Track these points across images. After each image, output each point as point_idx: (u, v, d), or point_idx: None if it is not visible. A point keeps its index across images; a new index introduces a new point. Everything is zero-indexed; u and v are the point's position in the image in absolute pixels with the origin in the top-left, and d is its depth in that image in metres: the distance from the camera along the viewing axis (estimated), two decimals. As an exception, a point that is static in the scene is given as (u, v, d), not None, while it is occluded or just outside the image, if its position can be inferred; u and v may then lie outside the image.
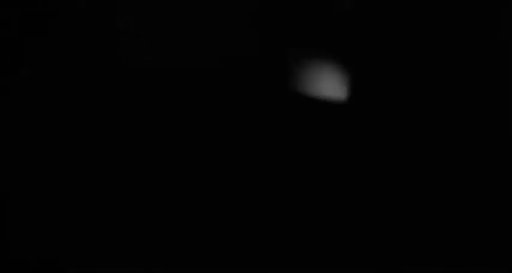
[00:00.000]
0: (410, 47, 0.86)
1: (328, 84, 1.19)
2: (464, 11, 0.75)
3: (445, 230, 0.87)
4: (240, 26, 1.13)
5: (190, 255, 1.11)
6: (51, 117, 1.07)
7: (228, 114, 1.19)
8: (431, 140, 0.92)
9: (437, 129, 0.89)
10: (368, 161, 0.92)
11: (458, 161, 0.89)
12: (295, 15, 1.21)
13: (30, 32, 0.96)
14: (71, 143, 1.09)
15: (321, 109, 1.08)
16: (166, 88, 1.30)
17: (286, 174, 1.14)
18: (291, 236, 1.10)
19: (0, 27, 0.93)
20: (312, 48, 1.19)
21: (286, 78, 1.16)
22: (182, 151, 1.31)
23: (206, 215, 1.20)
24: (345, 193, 0.95)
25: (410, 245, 0.88)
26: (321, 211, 1.02)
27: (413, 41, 0.86)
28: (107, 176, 1.10)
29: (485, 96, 0.81)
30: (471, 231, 0.84)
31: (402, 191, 0.91)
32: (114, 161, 1.12)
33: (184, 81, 1.31)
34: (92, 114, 1.12)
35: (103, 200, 1.08)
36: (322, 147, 1.03)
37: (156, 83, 1.41)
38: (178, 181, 1.21)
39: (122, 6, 1.24)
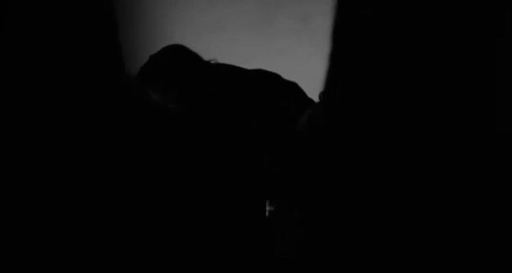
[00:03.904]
0: (410, 47, 0.86)
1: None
2: (464, 11, 0.75)
3: (445, 230, 0.87)
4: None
5: (190, 255, 1.10)
6: (50, 117, 1.06)
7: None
8: (431, 141, 0.91)
9: (437, 130, 0.89)
10: (365, 162, 0.92)
11: (457, 161, 0.89)
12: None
13: (30, 31, 0.96)
14: (70, 142, 1.08)
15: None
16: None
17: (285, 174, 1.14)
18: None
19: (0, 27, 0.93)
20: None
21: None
22: (180, 155, 1.30)
23: (205, 216, 1.19)
24: (342, 193, 0.95)
25: (409, 245, 0.87)
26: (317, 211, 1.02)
27: (414, 41, 0.86)
28: (105, 177, 1.09)
29: (485, 95, 0.81)
30: (471, 231, 0.84)
31: (401, 192, 0.91)
32: (113, 162, 1.11)
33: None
34: (90, 114, 1.11)
35: (103, 202, 1.08)
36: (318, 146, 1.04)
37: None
38: (175, 181, 1.21)
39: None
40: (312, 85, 1.31)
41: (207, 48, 1.70)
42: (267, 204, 1.13)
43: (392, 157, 0.89)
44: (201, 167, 1.30)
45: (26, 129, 1.01)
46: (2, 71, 0.96)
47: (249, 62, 1.28)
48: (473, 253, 0.80)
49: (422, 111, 0.89)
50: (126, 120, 1.15)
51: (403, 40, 0.86)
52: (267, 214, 1.14)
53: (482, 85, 0.83)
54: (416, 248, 0.86)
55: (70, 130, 1.06)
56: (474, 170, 0.85)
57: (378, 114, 0.90)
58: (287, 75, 1.28)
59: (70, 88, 1.06)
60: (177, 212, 1.19)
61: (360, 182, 0.89)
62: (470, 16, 0.75)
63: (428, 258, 0.84)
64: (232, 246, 1.17)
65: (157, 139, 1.33)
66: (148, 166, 1.23)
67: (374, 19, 0.87)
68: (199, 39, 1.66)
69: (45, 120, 1.04)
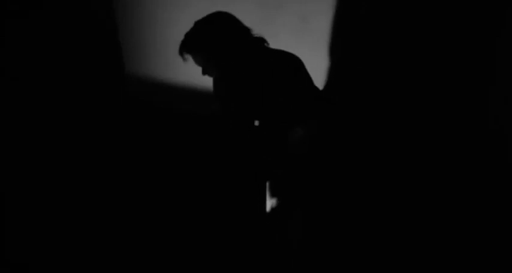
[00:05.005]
0: (410, 47, 0.87)
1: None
2: (464, 11, 0.76)
3: (444, 230, 0.87)
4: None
5: (190, 256, 1.11)
6: (50, 117, 1.06)
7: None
8: (432, 140, 0.92)
9: (438, 129, 0.90)
10: (365, 161, 0.92)
11: (458, 161, 0.89)
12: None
13: (30, 31, 0.96)
14: (71, 142, 1.08)
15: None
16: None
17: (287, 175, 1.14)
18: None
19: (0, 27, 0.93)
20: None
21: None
22: (181, 155, 1.31)
23: (203, 217, 1.20)
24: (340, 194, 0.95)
25: (409, 245, 0.88)
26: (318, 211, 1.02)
27: (413, 41, 0.86)
28: (106, 176, 1.10)
29: (485, 95, 0.81)
30: (471, 232, 0.84)
31: (401, 191, 0.91)
32: (114, 162, 1.12)
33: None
34: (90, 114, 1.11)
35: (104, 201, 1.08)
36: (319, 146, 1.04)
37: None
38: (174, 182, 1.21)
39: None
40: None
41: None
42: (267, 204, 1.13)
43: (393, 156, 0.90)
44: (202, 167, 1.31)
45: (26, 128, 1.02)
46: (3, 71, 0.96)
47: (249, 62, 1.28)
48: (472, 252, 0.81)
49: (422, 110, 0.90)
50: (127, 120, 1.15)
51: (402, 40, 0.86)
52: (267, 213, 1.14)
53: (482, 85, 0.83)
54: (416, 247, 0.86)
55: (71, 130, 1.06)
56: (473, 169, 0.85)
57: (378, 113, 0.90)
58: (287, 75, 1.28)
59: (70, 88, 1.06)
60: (177, 212, 1.19)
61: (361, 182, 0.90)
62: (470, 16, 0.76)
63: (428, 258, 0.84)
64: (232, 245, 1.18)
65: (157, 139, 1.33)
66: (149, 165, 1.23)
67: (373, 19, 0.87)
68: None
69: (45, 120, 1.04)
